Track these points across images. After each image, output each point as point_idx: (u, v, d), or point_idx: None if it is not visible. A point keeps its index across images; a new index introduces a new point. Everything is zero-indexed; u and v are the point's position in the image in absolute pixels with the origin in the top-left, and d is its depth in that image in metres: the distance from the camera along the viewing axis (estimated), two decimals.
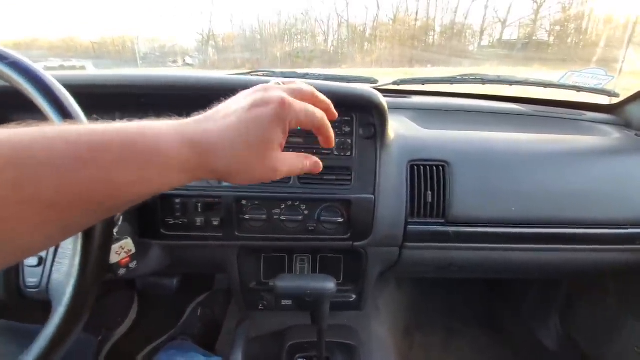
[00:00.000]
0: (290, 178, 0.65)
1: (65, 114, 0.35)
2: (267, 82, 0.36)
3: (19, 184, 0.21)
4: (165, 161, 0.27)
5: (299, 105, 0.32)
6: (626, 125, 0.93)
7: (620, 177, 0.72)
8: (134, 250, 0.52)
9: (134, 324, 1.09)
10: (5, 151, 0.21)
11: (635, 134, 0.86)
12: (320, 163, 0.37)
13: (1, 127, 0.22)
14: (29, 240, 0.23)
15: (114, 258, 0.49)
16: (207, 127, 0.29)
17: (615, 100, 0.96)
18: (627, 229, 0.71)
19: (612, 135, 0.85)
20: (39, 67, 0.36)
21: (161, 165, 0.27)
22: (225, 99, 0.33)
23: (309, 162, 0.36)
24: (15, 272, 0.50)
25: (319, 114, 0.34)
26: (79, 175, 0.23)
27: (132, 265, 0.53)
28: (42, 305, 0.46)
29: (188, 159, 0.28)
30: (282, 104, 0.30)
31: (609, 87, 0.97)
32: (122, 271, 0.51)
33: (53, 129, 0.24)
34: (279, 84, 0.35)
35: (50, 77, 0.36)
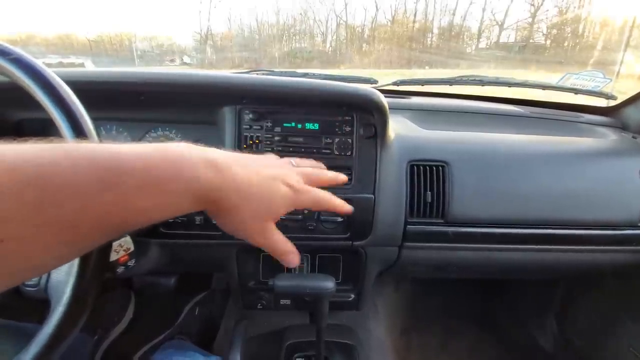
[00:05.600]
0: None
1: (79, 131, 0.34)
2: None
3: (40, 205, 0.20)
4: (183, 187, 0.27)
5: (311, 194, 0.36)
6: (623, 127, 0.93)
7: (617, 178, 0.73)
8: (132, 249, 0.52)
9: (131, 323, 1.08)
10: (29, 170, 0.20)
11: (632, 136, 0.86)
12: (297, 259, 0.37)
13: (22, 142, 0.21)
14: (41, 261, 0.22)
15: (112, 256, 0.48)
16: (235, 170, 0.30)
17: (612, 103, 0.97)
18: (623, 230, 0.72)
19: (610, 137, 0.85)
20: (49, 71, 0.35)
21: (178, 192, 0.27)
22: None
23: (291, 249, 0.36)
24: None
25: (327, 197, 0.38)
26: (100, 198, 0.22)
27: (131, 263, 0.52)
28: (40, 304, 0.46)
29: (207, 189, 0.28)
30: (298, 192, 0.35)
31: (606, 90, 0.97)
32: (120, 269, 0.50)
33: (77, 148, 0.23)
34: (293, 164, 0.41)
35: (64, 87, 0.35)
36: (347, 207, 0.41)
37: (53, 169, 0.21)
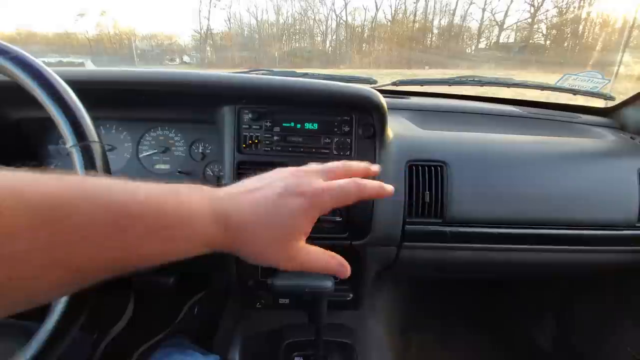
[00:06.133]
0: None
1: (79, 131, 0.35)
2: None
3: (51, 248, 0.20)
4: (194, 237, 0.27)
5: (331, 190, 0.31)
6: (621, 128, 0.94)
7: (615, 178, 0.73)
8: None
9: (130, 323, 1.08)
10: (43, 211, 0.20)
11: (630, 137, 0.87)
12: (348, 268, 0.33)
13: (39, 171, 0.22)
14: (43, 296, 0.23)
15: None
16: (239, 206, 0.29)
17: (610, 104, 0.98)
18: (622, 230, 0.72)
19: (608, 138, 0.86)
20: (49, 70, 0.36)
21: (188, 240, 0.27)
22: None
23: (335, 262, 0.33)
24: None
25: (354, 185, 0.32)
26: (110, 245, 0.23)
27: None
28: None
29: (216, 235, 0.28)
30: (314, 196, 0.30)
31: (605, 91, 0.98)
32: None
33: (92, 189, 0.23)
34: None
35: (64, 86, 0.36)
36: (389, 188, 0.34)
37: (66, 212, 0.21)
